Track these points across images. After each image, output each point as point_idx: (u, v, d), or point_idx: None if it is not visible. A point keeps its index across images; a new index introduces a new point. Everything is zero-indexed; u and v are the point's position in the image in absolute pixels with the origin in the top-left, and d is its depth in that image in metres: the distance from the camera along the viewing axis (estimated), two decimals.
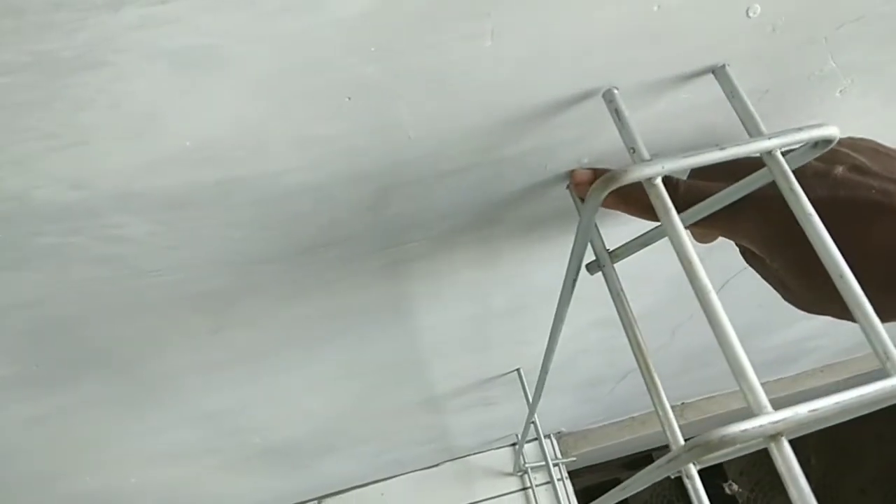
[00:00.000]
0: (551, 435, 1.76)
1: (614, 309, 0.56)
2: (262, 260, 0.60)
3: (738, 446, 0.50)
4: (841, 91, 0.61)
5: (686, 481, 0.47)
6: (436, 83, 0.45)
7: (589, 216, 0.48)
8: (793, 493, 0.35)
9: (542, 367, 0.82)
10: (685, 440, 0.42)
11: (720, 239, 0.85)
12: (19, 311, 0.55)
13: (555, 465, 1.70)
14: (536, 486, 1.67)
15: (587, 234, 0.49)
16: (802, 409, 0.36)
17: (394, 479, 1.68)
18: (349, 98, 0.44)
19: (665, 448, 0.47)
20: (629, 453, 2.89)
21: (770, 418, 0.36)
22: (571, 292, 0.59)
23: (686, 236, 0.44)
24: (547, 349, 0.76)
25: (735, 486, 2.40)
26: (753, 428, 0.36)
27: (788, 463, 0.36)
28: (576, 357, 1.15)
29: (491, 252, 0.72)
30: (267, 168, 0.48)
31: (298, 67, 0.40)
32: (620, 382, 1.43)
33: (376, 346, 0.89)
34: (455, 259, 0.71)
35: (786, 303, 1.28)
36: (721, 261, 0.94)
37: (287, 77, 0.41)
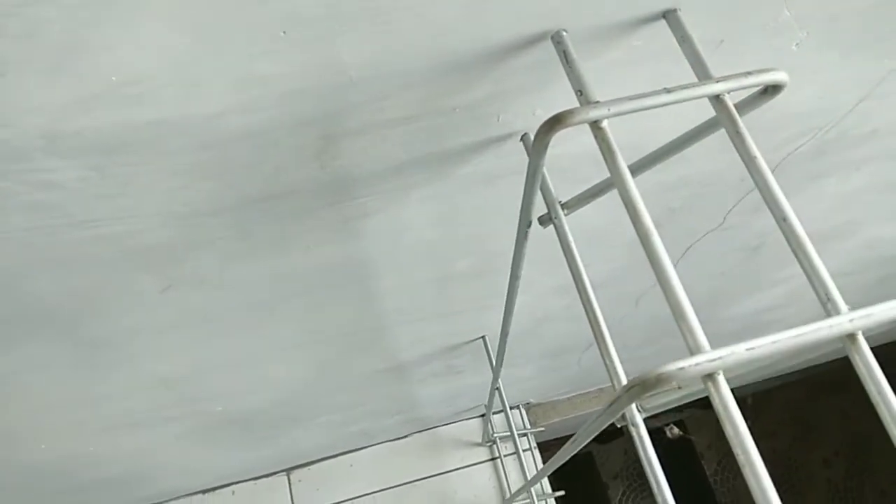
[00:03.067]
0: (520, 405, 1.77)
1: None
2: (207, 212, 0.58)
3: (678, 389, 0.50)
4: (797, 44, 0.60)
5: (631, 429, 0.47)
6: (376, 19, 0.43)
7: (536, 161, 0.47)
8: (728, 430, 0.35)
9: (503, 329, 0.82)
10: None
11: (683, 201, 0.85)
12: None
13: (522, 435, 1.70)
14: (505, 456, 1.68)
15: (535, 181, 0.48)
16: (740, 348, 0.36)
17: (362, 451, 1.68)
18: (284, 32, 0.42)
19: None
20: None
21: (707, 356, 0.35)
22: (524, 244, 0.58)
23: (632, 182, 0.43)
24: (506, 308, 0.75)
25: (676, 430, 2.42)
26: (691, 366, 0.35)
27: (725, 402, 0.36)
28: (540, 325, 1.15)
29: (449, 210, 0.71)
30: (202, 109, 0.46)
31: None
32: (586, 352, 1.44)
33: (337, 310, 0.87)
34: (412, 217, 0.70)
35: (745, 273, 1.29)
36: (684, 226, 0.94)
37: (216, 6, 0.39)
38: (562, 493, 1.61)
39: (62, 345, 0.72)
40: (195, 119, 0.47)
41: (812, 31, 0.59)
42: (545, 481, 1.66)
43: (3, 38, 0.37)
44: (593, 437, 0.54)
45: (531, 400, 1.78)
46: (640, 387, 0.36)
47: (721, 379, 0.36)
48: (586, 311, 0.49)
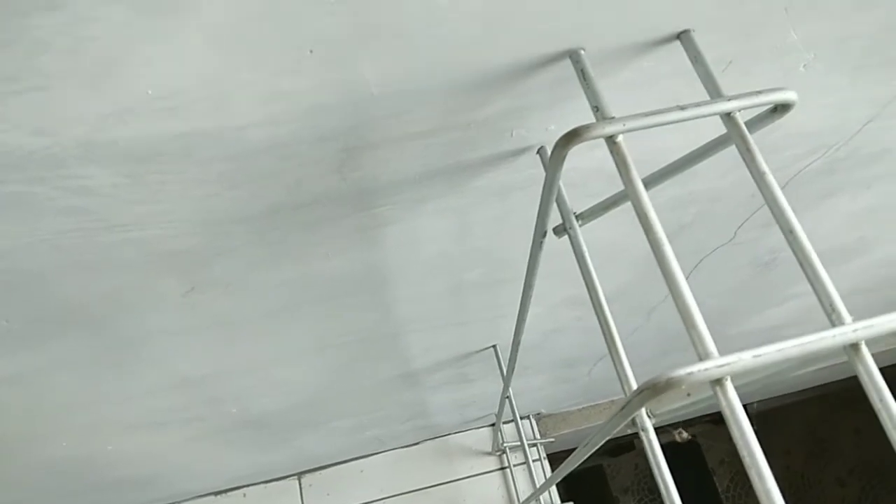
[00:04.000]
0: (530, 416, 1.78)
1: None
2: (232, 220, 0.60)
3: (687, 396, 0.51)
4: (805, 66, 0.62)
5: (641, 434, 0.48)
6: (397, 39, 0.45)
7: (553, 173, 0.48)
8: (735, 433, 0.36)
9: (515, 337, 0.83)
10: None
11: (694, 216, 0.86)
12: None
13: (532, 445, 1.71)
14: (515, 465, 1.69)
15: (552, 192, 0.49)
16: (746, 355, 0.37)
17: (373, 457, 1.69)
18: (311, 51, 0.44)
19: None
20: (610, 438, 2.92)
21: (715, 362, 0.37)
22: (539, 254, 0.59)
23: (645, 193, 0.45)
24: (518, 316, 0.76)
25: (685, 434, 2.37)
26: (699, 371, 0.36)
27: (732, 406, 0.37)
28: (551, 336, 1.16)
29: (463, 222, 0.73)
30: (230, 122, 0.48)
31: (259, 16, 0.41)
32: (598, 364, 1.45)
33: (353, 317, 0.89)
34: (428, 227, 0.72)
35: (756, 289, 1.28)
36: (695, 241, 0.95)
37: (248, 26, 0.41)
38: (570, 503, 1.61)
39: (88, 345, 0.74)
40: (224, 131, 0.49)
41: (819, 53, 0.60)
42: (554, 493, 1.67)
43: (48, 53, 0.39)
44: (603, 442, 0.56)
45: (542, 410, 1.79)
46: (651, 390, 0.37)
47: (729, 384, 0.37)
48: (598, 316, 0.51)
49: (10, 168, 0.47)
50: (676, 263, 0.41)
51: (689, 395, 0.47)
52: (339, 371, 1.08)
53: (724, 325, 1.35)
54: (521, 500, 1.65)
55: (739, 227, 0.90)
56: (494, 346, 1.16)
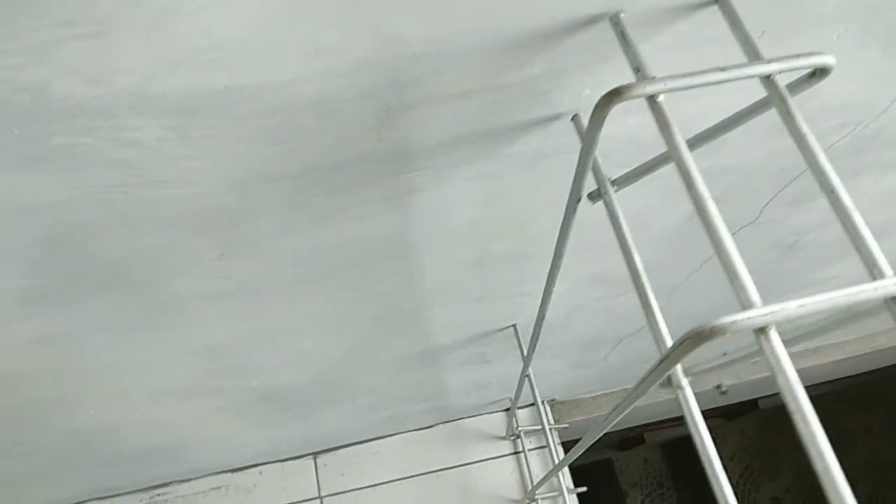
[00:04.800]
0: (544, 401, 1.78)
1: (611, 263, 0.57)
2: (268, 179, 0.61)
3: (723, 356, 0.52)
4: (838, 36, 0.62)
5: (677, 392, 0.49)
6: None
7: (593, 133, 0.49)
8: (781, 382, 0.37)
9: (540, 310, 0.84)
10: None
11: (723, 190, 0.86)
12: (33, 215, 0.57)
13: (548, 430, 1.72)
14: (529, 450, 1.69)
15: (590, 152, 0.50)
16: (791, 304, 0.37)
17: (388, 439, 1.70)
18: (356, 4, 0.45)
19: (660, 424, 0.48)
20: (622, 428, 2.92)
21: (760, 311, 0.37)
22: (572, 220, 0.60)
23: (688, 153, 0.45)
24: (545, 287, 0.77)
25: (724, 385, 2.29)
26: (743, 319, 0.37)
27: (776, 354, 0.37)
28: (572, 314, 1.17)
29: (493, 189, 0.73)
30: (274, 77, 0.49)
31: None
32: (615, 348, 1.45)
33: (378, 287, 0.90)
34: (458, 194, 0.72)
35: (780, 272, 1.28)
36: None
37: None
38: (584, 488, 1.62)
39: (121, 307, 0.75)
40: (269, 86, 0.50)
41: (852, 25, 0.60)
42: (568, 477, 1.67)
43: None
44: (634, 405, 0.56)
45: (556, 396, 1.80)
46: (695, 338, 0.38)
47: (774, 333, 0.37)
48: (630, 272, 0.51)
49: (60, 117, 0.47)
50: (720, 218, 0.42)
51: (724, 353, 0.48)
52: (360, 345, 1.09)
53: None
54: (534, 484, 1.66)
55: (766, 204, 0.90)
56: (514, 326, 1.16)
